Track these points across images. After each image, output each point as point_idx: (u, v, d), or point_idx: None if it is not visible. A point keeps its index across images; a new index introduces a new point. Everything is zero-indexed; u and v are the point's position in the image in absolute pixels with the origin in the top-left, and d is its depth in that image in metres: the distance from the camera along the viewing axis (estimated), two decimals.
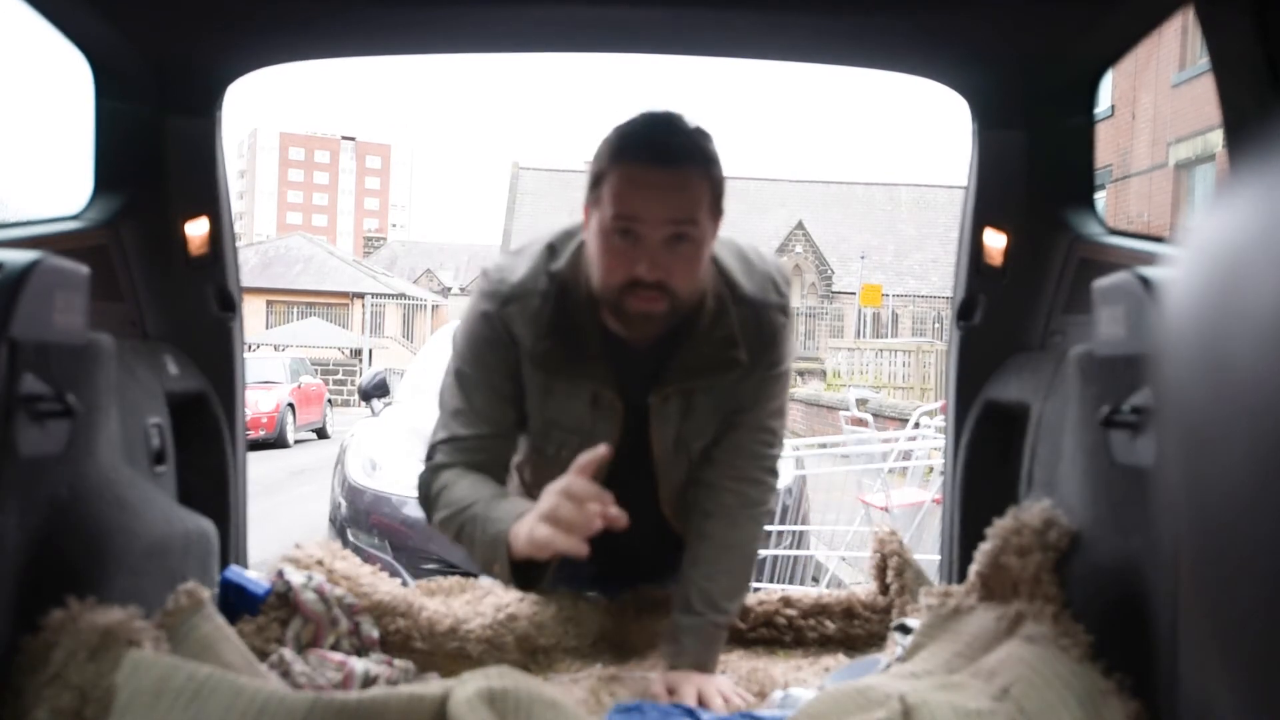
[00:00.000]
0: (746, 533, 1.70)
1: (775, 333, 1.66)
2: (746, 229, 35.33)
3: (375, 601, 1.67)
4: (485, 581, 1.90)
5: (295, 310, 31.34)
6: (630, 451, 1.64)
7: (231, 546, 1.91)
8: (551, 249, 1.63)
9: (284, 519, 8.02)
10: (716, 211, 1.53)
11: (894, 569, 1.87)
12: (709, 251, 1.54)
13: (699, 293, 1.56)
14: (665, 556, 1.79)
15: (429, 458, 1.68)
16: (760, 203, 37.22)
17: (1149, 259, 1.57)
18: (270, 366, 17.69)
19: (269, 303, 31.66)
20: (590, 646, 1.79)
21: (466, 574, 1.95)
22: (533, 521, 1.43)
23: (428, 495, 1.67)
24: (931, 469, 5.50)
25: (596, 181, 1.49)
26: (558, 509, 1.39)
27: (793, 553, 4.62)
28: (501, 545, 1.49)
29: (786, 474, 4.72)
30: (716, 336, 1.60)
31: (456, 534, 1.60)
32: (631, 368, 1.62)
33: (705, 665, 1.59)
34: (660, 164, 1.45)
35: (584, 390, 1.61)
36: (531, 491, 1.69)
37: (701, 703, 1.49)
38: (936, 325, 32.17)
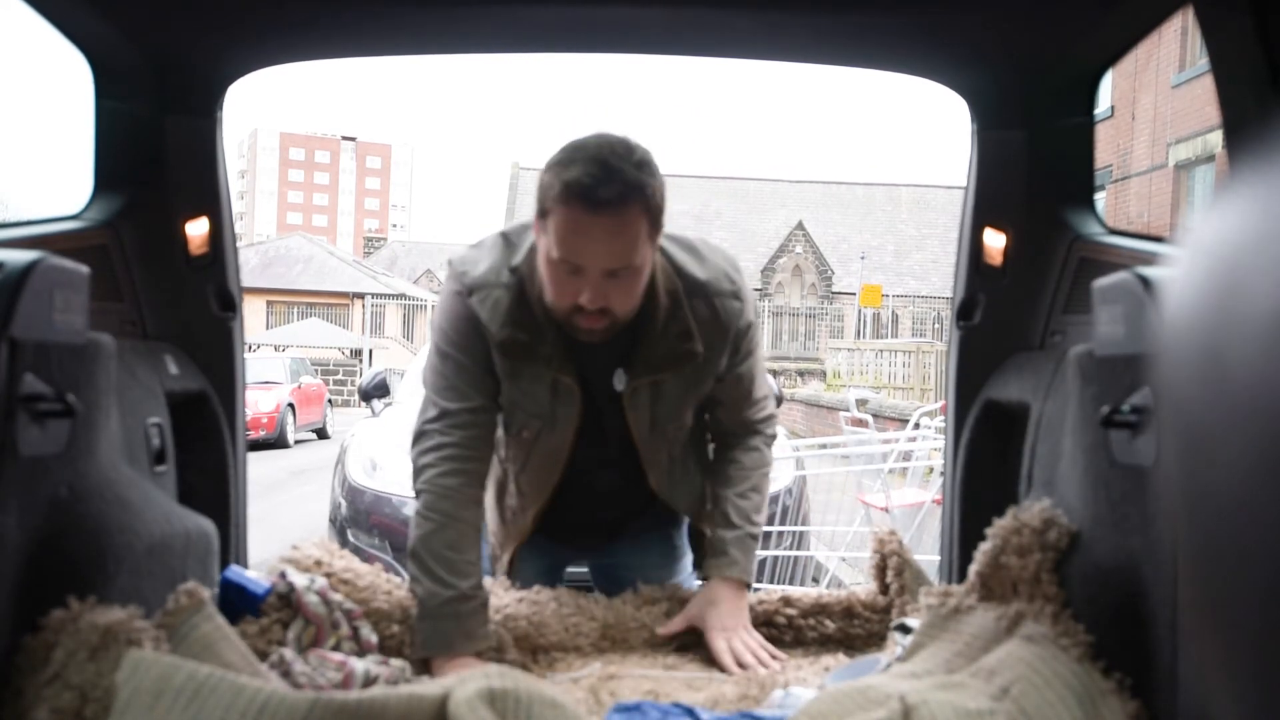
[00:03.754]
0: (764, 456, 1.97)
1: (732, 318, 1.77)
2: (746, 229, 35.34)
3: (373, 607, 1.67)
4: (485, 582, 1.90)
5: (295, 310, 31.33)
6: (615, 434, 1.80)
7: (231, 546, 1.91)
8: (508, 242, 1.73)
9: (284, 519, 8.02)
10: (656, 229, 1.61)
11: (894, 569, 1.87)
12: (648, 270, 1.64)
13: (640, 301, 1.67)
14: (653, 527, 2.01)
15: (419, 436, 1.74)
16: (760, 203, 37.22)
17: (1149, 259, 1.57)
18: (270, 367, 17.68)
19: (269, 303, 31.66)
20: (590, 646, 1.79)
21: None
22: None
23: (420, 490, 1.71)
24: (931, 469, 5.50)
25: (543, 213, 1.57)
26: None
27: (793, 553, 4.62)
28: (421, 652, 1.63)
29: (786, 475, 4.72)
30: (673, 331, 1.72)
31: (411, 577, 1.68)
32: (590, 359, 1.74)
33: (748, 573, 1.84)
34: (599, 212, 1.52)
35: (545, 377, 1.72)
36: (505, 465, 1.88)
37: (738, 656, 1.70)
38: (936, 325, 32.16)
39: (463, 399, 1.71)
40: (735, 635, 1.75)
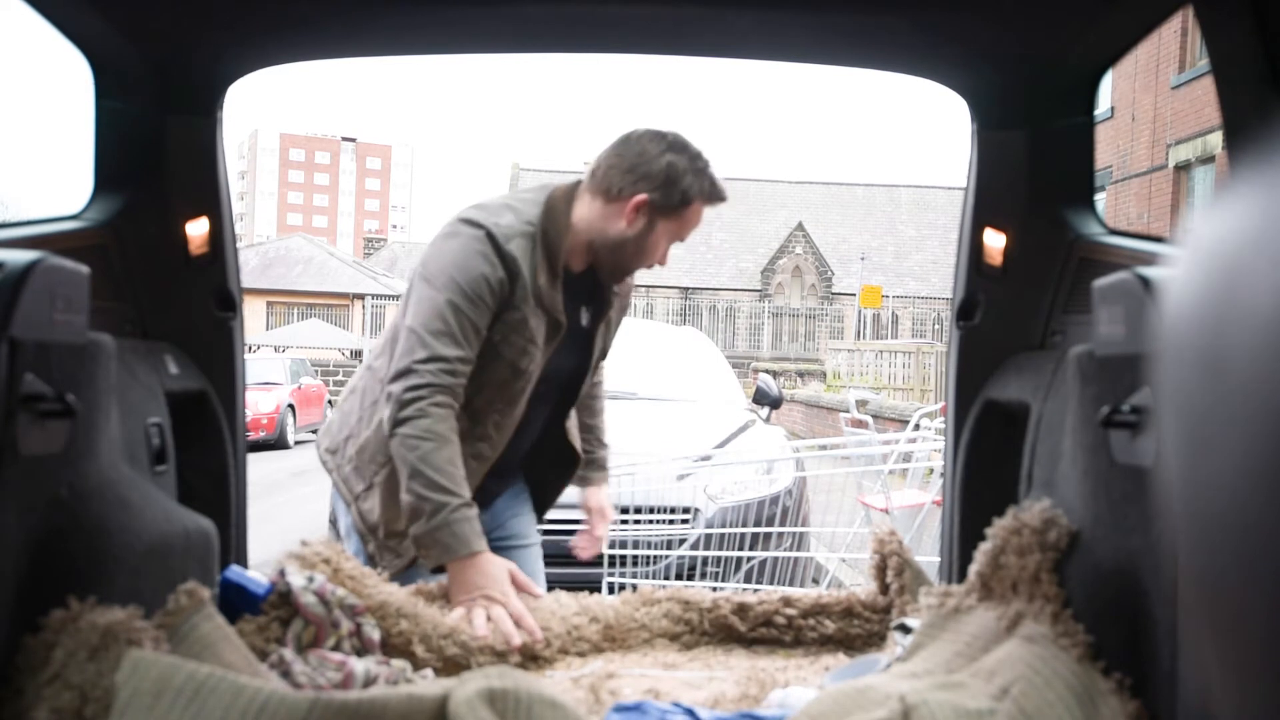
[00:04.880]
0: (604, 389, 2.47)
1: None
2: (746, 230, 35.34)
3: (379, 602, 1.67)
4: None
5: (295, 311, 31.33)
6: (566, 370, 2.11)
7: (232, 546, 1.90)
8: (515, 202, 1.98)
9: (284, 519, 8.02)
10: None
11: (894, 569, 1.87)
12: None
13: None
14: (561, 470, 2.30)
15: (406, 373, 1.84)
16: (760, 204, 37.20)
17: (1149, 259, 1.57)
18: (270, 367, 17.68)
19: (269, 304, 31.65)
20: (590, 646, 1.79)
21: None
22: (481, 591, 1.77)
23: (407, 417, 1.81)
24: (931, 470, 5.50)
25: (675, 201, 1.90)
26: (500, 616, 1.74)
27: (793, 554, 4.62)
28: (445, 557, 1.79)
29: (786, 475, 4.72)
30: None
31: (417, 496, 1.80)
32: (572, 298, 2.02)
33: (609, 478, 2.47)
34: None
35: (545, 313, 1.95)
36: (477, 410, 1.97)
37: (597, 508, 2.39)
38: (936, 326, 32.15)
39: (457, 347, 1.85)
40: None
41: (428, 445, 1.79)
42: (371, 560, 2.01)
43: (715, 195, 1.94)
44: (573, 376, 2.15)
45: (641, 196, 1.89)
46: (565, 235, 1.94)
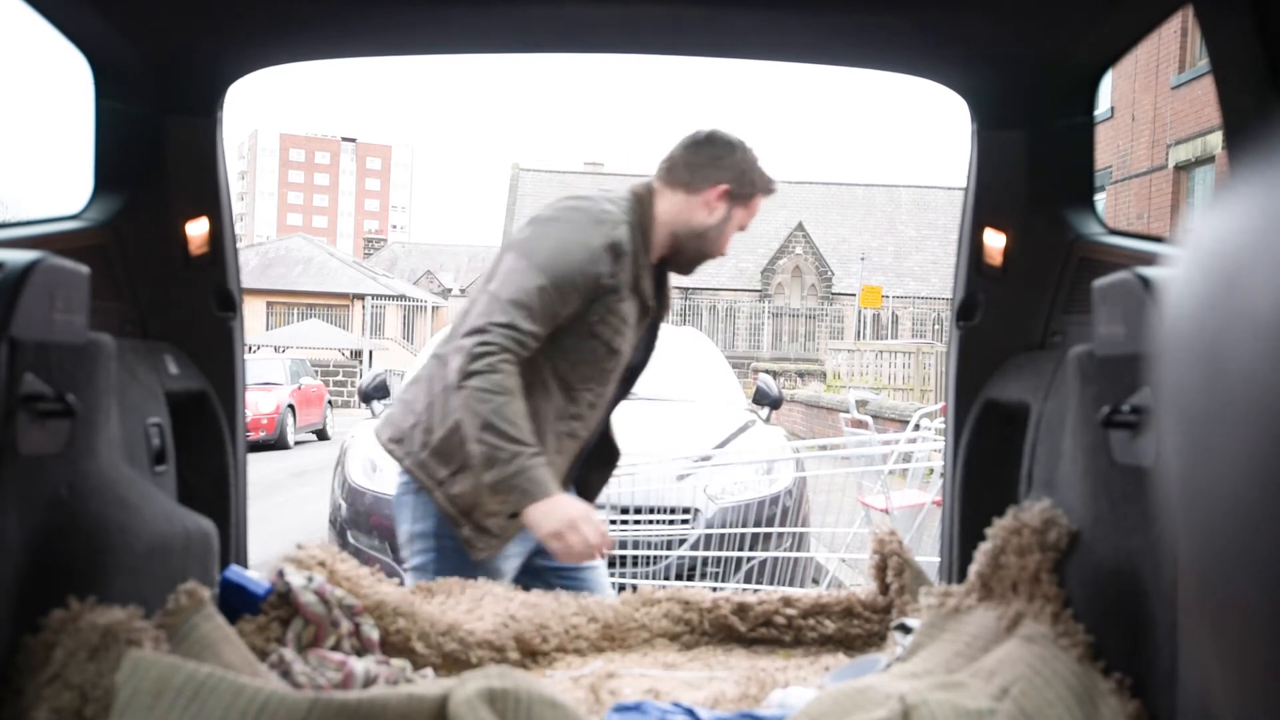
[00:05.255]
0: None
1: None
2: (747, 230, 35.21)
3: (377, 602, 1.67)
4: (484, 582, 1.90)
5: (295, 311, 31.32)
6: (636, 361, 2.20)
7: (232, 546, 1.91)
8: (610, 200, 2.10)
9: (284, 520, 8.02)
10: None
11: (894, 569, 1.87)
12: None
13: None
14: (605, 469, 2.34)
15: (481, 330, 1.91)
16: (760, 204, 37.07)
17: (1149, 259, 1.57)
18: (270, 368, 17.65)
19: (269, 304, 31.65)
20: (590, 646, 1.79)
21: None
22: (566, 521, 1.90)
23: (478, 370, 1.89)
24: (931, 471, 5.49)
25: (747, 190, 2.11)
26: (588, 535, 1.90)
27: (793, 554, 4.62)
28: (525, 502, 1.89)
29: (786, 476, 4.72)
30: None
31: (491, 446, 1.87)
32: (652, 286, 2.14)
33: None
34: None
35: (638, 297, 2.09)
36: (568, 378, 2.05)
37: None
38: (937, 326, 32.14)
39: (534, 323, 1.93)
40: None
41: (500, 399, 1.88)
42: (466, 546, 2.03)
43: (771, 188, 2.17)
44: (635, 368, 2.23)
45: (723, 186, 2.08)
46: (653, 227, 2.10)
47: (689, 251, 2.15)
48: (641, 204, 2.10)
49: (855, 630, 1.88)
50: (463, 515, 2.02)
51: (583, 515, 1.91)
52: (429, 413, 2.06)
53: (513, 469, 1.87)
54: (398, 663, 1.56)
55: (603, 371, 2.08)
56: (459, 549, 2.02)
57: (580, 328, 2.01)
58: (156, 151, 1.83)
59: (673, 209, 2.10)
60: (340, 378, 25.51)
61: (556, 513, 1.89)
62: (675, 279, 2.26)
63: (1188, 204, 15.97)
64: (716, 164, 2.09)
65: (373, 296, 31.94)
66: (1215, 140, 14.48)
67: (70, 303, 1.19)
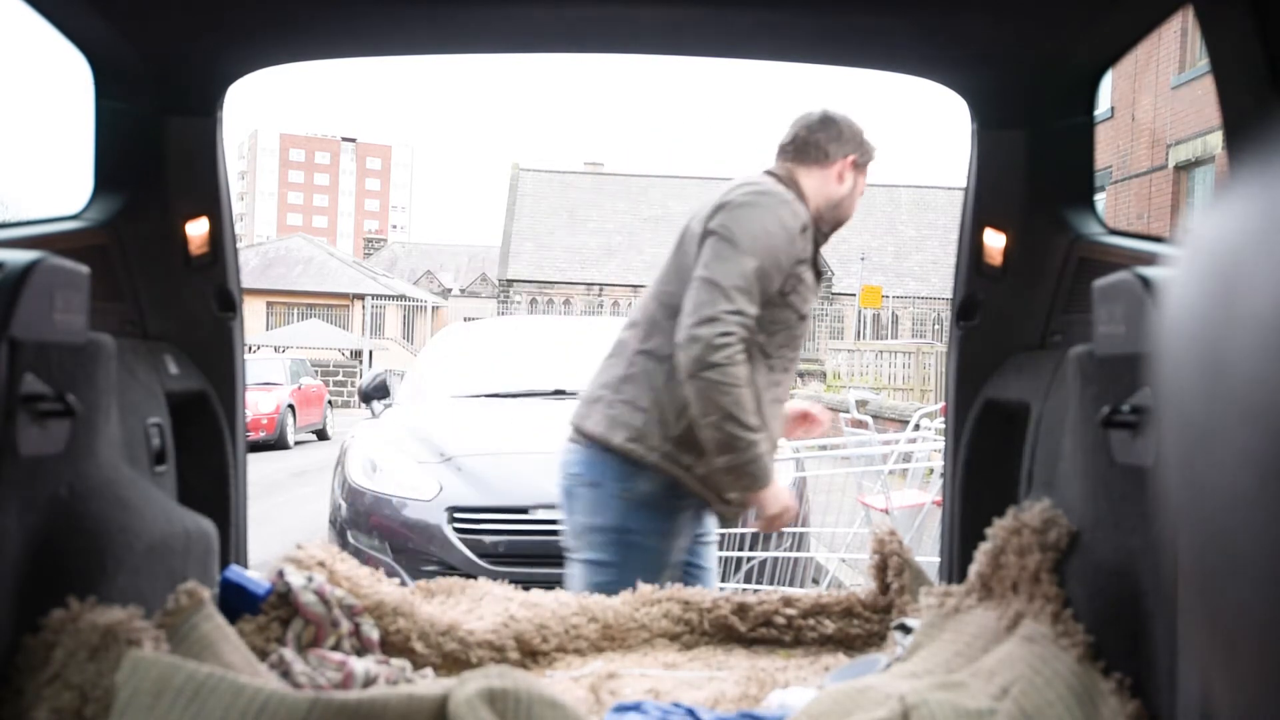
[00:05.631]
0: None
1: None
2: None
3: (376, 602, 1.67)
4: (484, 583, 1.90)
5: (295, 311, 31.32)
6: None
7: (232, 546, 1.90)
8: (783, 189, 2.23)
9: (284, 520, 8.02)
10: None
11: (894, 569, 1.87)
12: None
13: None
14: None
15: (714, 320, 2.05)
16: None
17: (1149, 259, 1.57)
18: (270, 368, 17.65)
19: (269, 304, 31.64)
20: (590, 646, 1.79)
21: (466, 575, 1.96)
22: (784, 504, 2.21)
23: (718, 362, 2.03)
24: (931, 471, 5.49)
25: (866, 157, 2.31)
26: (791, 517, 2.24)
27: (793, 554, 4.62)
28: (757, 486, 2.14)
29: (786, 476, 4.71)
30: None
31: (730, 435, 2.06)
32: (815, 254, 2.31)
33: None
34: None
35: (813, 267, 2.27)
36: (766, 348, 2.19)
37: None
38: (936, 326, 32.14)
39: (754, 305, 2.10)
40: None
41: (740, 391, 2.05)
42: (721, 519, 2.26)
43: (875, 154, 2.37)
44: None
45: (851, 156, 2.28)
46: (808, 204, 2.27)
47: (829, 221, 2.31)
48: (794, 185, 2.27)
49: (855, 630, 1.88)
50: (714, 494, 2.18)
51: (789, 499, 2.21)
52: (658, 408, 2.16)
53: (749, 456, 2.08)
54: (397, 662, 1.56)
55: (794, 337, 2.27)
56: (644, 544, 2.15)
57: (776, 300, 2.17)
58: (156, 151, 1.83)
59: (814, 184, 2.28)
60: (340, 378, 25.51)
61: (781, 496, 2.19)
62: None
63: (1188, 204, 15.96)
64: (840, 139, 2.28)
65: (373, 296, 31.94)
66: (1215, 140, 14.47)
67: (70, 303, 1.19)
